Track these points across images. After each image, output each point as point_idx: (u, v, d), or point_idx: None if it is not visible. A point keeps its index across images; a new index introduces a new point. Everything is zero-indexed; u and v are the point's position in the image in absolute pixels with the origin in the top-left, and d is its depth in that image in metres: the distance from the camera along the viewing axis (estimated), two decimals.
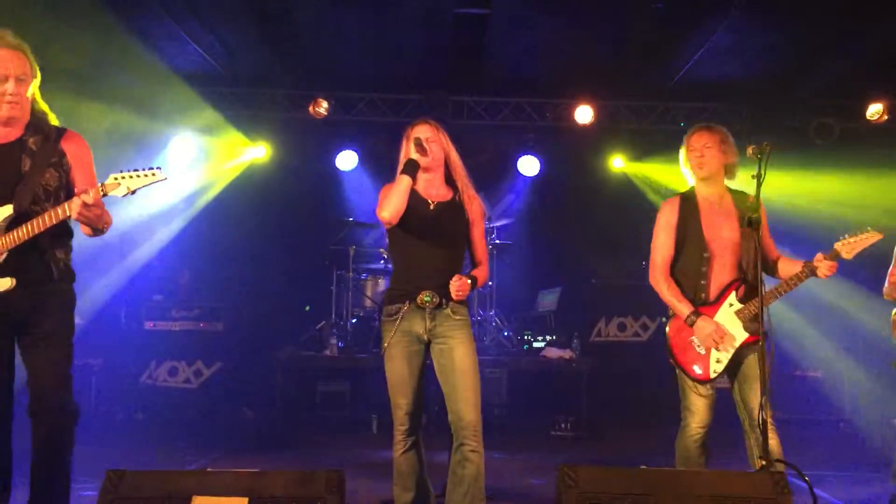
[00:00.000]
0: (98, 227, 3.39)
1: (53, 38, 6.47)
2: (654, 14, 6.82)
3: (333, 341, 7.51)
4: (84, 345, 7.47)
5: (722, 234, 3.90)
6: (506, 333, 7.96)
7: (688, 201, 4.05)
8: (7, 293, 3.23)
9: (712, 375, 3.82)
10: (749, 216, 3.66)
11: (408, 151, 3.84)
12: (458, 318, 3.79)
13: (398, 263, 3.95)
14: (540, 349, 7.89)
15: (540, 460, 6.18)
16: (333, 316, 7.89)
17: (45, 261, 3.33)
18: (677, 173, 8.71)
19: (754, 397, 3.77)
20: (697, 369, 3.85)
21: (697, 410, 3.86)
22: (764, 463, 3.35)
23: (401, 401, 3.76)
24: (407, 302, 3.77)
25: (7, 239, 3.23)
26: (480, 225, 3.99)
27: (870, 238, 3.78)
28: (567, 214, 9.15)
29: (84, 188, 3.29)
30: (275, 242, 8.83)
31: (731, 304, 3.87)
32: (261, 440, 6.98)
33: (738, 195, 4.04)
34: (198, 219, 8.70)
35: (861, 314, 7.21)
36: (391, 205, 3.70)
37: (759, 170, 3.67)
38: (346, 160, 9.02)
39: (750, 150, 3.72)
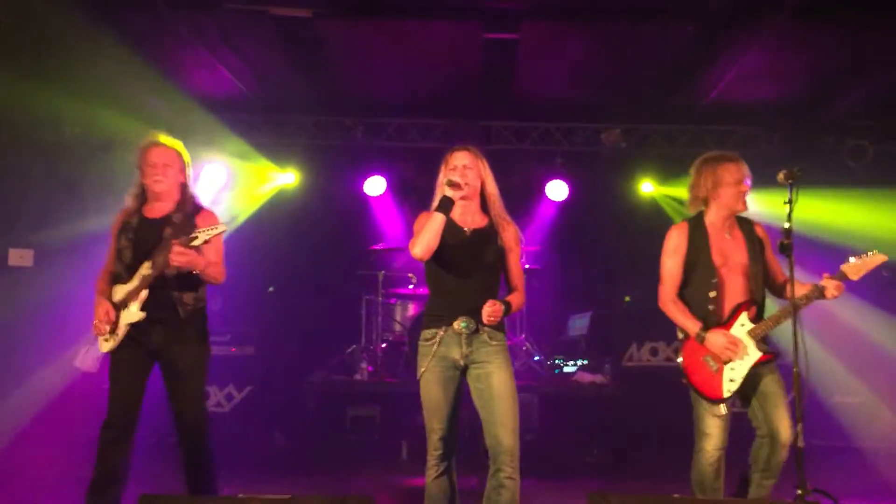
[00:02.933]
0: (203, 272, 4.19)
1: (92, 66, 6.67)
2: (684, 37, 6.83)
3: (363, 365, 7.52)
4: None
5: (734, 259, 3.97)
6: (536, 358, 7.91)
7: (697, 227, 4.10)
8: (142, 324, 4.11)
9: (726, 395, 3.84)
10: (781, 241, 3.68)
11: (445, 175, 3.87)
12: (495, 343, 3.79)
13: (434, 289, 3.96)
14: (571, 374, 7.83)
15: (572, 486, 6.10)
16: (363, 340, 7.90)
17: (172, 302, 4.16)
18: None
19: (779, 414, 3.81)
20: (711, 388, 3.88)
21: (713, 433, 3.89)
22: (800, 492, 3.29)
23: (436, 426, 3.75)
24: (444, 327, 3.78)
25: (142, 283, 4.11)
26: (516, 251, 4.00)
27: (875, 259, 3.84)
28: (596, 239, 9.11)
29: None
30: (304, 267, 8.88)
31: (742, 325, 3.91)
32: (291, 465, 6.98)
33: (743, 222, 4.12)
34: (228, 245, 8.71)
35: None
36: (424, 242, 3.73)
37: (790, 195, 3.70)
38: (375, 185, 9.07)
39: (781, 176, 3.74)
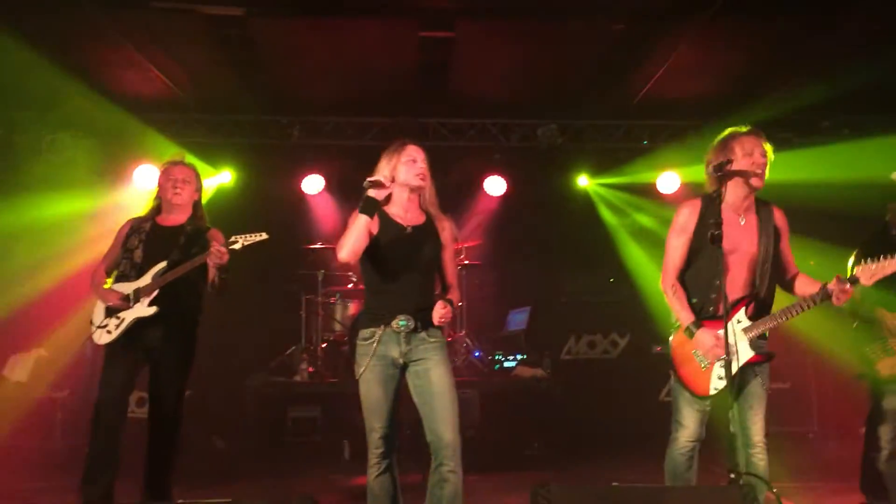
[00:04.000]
0: (224, 278, 4.60)
1: (21, 68, 6.49)
2: (615, 34, 6.94)
3: (304, 366, 7.45)
4: (49, 378, 7.41)
5: (741, 248, 3.73)
6: (476, 354, 7.96)
7: (710, 205, 3.74)
8: (145, 320, 4.47)
9: (711, 392, 3.68)
10: (711, 232, 3.53)
11: (395, 166, 3.85)
12: (433, 340, 3.80)
13: (372, 287, 3.94)
14: (511, 369, 7.90)
15: (513, 480, 6.16)
16: (303, 341, 7.83)
17: (178, 303, 4.53)
18: (641, 190, 8.87)
19: (752, 417, 3.73)
20: (697, 384, 3.74)
21: (689, 425, 3.78)
22: (733, 476, 3.35)
23: (376, 424, 3.75)
24: (382, 326, 3.77)
25: (155, 281, 4.51)
26: (452, 249, 4.02)
27: (892, 265, 3.59)
28: (534, 233, 9.21)
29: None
30: (242, 268, 8.72)
31: (738, 321, 3.73)
32: (232, 469, 6.88)
33: (761, 206, 3.85)
34: None
35: (827, 324, 7.30)
36: (349, 246, 3.71)
37: (718, 188, 3.67)
38: (312, 184, 8.99)
39: (710, 169, 3.75)
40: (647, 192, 9.01)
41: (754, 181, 3.75)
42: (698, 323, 3.72)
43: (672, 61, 7.31)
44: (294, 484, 6.29)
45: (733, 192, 3.77)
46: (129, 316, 4.52)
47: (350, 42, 7.05)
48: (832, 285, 3.62)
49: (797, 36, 6.86)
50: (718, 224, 3.56)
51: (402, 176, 3.85)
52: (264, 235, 4.63)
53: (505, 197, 9.35)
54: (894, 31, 6.55)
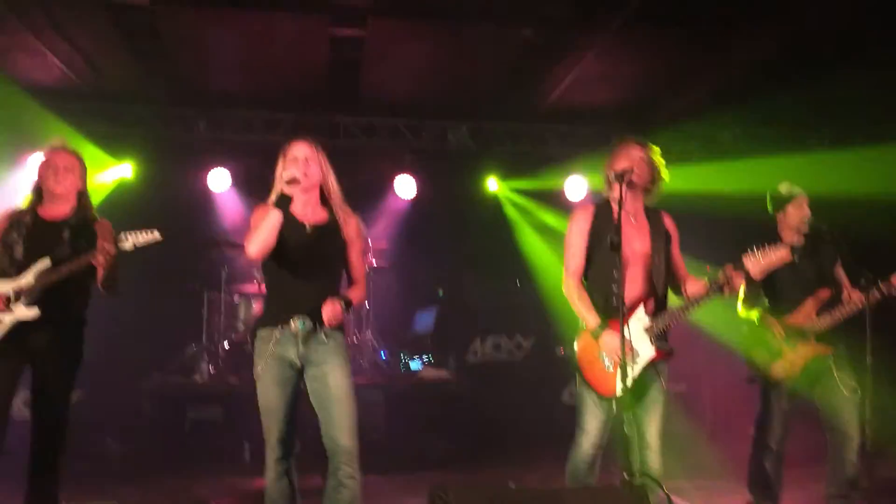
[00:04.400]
0: (113, 277, 4.26)
1: None
2: (525, 40, 7.03)
3: (204, 366, 7.27)
4: None
5: (634, 247, 3.82)
6: (382, 355, 7.93)
7: (603, 210, 3.94)
8: (28, 323, 4.12)
9: (618, 393, 3.68)
10: (610, 237, 3.61)
11: (284, 167, 3.76)
12: (331, 342, 3.73)
13: (272, 287, 3.87)
14: (417, 370, 7.91)
15: (415, 482, 6.16)
16: (205, 340, 7.63)
17: (64, 305, 4.21)
18: (548, 195, 8.99)
19: (650, 419, 3.81)
20: (604, 385, 3.77)
21: (591, 430, 3.82)
22: (626, 476, 3.43)
23: (273, 427, 3.68)
24: (280, 327, 3.70)
25: (39, 280, 4.15)
26: (358, 245, 3.94)
27: (778, 254, 3.74)
28: (443, 235, 9.24)
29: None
30: (142, 264, 8.44)
31: (639, 319, 3.81)
32: (127, 472, 6.65)
33: (651, 212, 3.99)
34: None
35: (719, 327, 7.56)
36: (259, 242, 3.63)
37: (620, 194, 3.76)
38: (219, 179, 8.79)
39: (611, 176, 3.83)
40: (555, 196, 9.15)
41: (641, 188, 3.90)
42: (604, 324, 3.77)
43: (580, 69, 7.45)
44: (191, 487, 6.14)
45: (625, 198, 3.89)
46: (7, 318, 4.14)
47: (260, 36, 6.92)
48: (722, 275, 3.75)
49: (701, 49, 7.08)
50: (618, 230, 3.64)
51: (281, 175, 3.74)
52: (157, 236, 4.35)
53: (415, 199, 9.35)
54: (791, 50, 6.85)
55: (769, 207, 4.83)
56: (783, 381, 4.60)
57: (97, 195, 8.40)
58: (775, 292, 4.71)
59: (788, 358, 4.55)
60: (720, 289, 3.77)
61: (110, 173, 8.60)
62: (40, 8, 6.27)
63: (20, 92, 7.32)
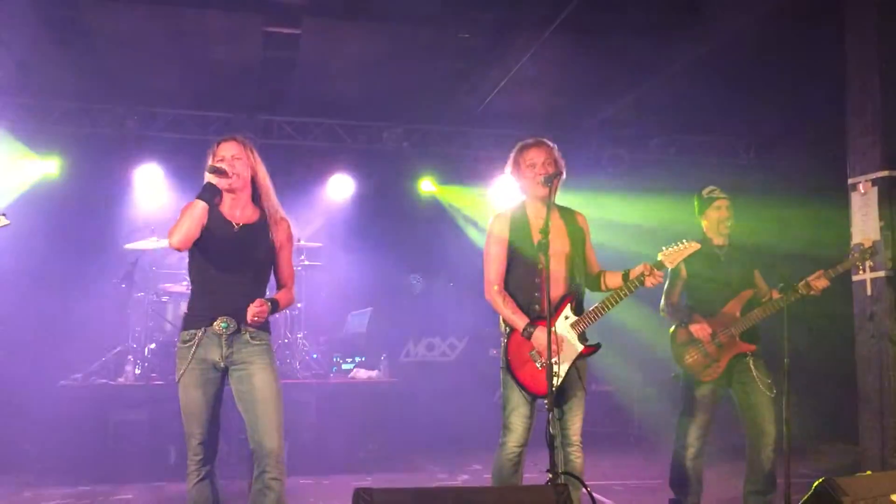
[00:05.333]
0: None
1: None
2: (460, 43, 7.07)
3: (129, 368, 7.09)
4: None
5: (555, 247, 3.82)
6: (315, 356, 7.87)
7: (518, 215, 4.02)
8: None
9: (551, 389, 3.67)
10: (540, 241, 3.70)
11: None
12: (256, 343, 3.68)
13: (197, 287, 3.79)
14: (349, 371, 7.87)
15: (345, 483, 6.13)
16: (130, 341, 7.45)
17: None
18: (483, 197, 9.03)
19: (572, 416, 3.86)
20: (535, 384, 3.81)
21: (516, 429, 3.86)
22: (550, 475, 3.47)
23: (195, 430, 3.62)
24: (203, 328, 3.64)
25: None
26: (288, 247, 3.88)
27: (688, 248, 3.94)
28: (378, 236, 9.21)
29: None
30: (66, 262, 8.23)
31: (566, 317, 3.88)
32: (45, 476, 6.45)
33: (564, 211, 4.08)
34: None
35: (643, 329, 7.71)
36: (181, 230, 3.56)
37: (550, 196, 3.84)
38: (148, 177, 8.60)
39: (541, 178, 3.90)
40: (488, 199, 9.20)
41: (536, 189, 3.95)
42: (534, 323, 3.82)
43: (514, 73, 7.53)
44: (115, 490, 6.00)
45: (530, 200, 4.04)
46: None
47: (190, 31, 6.81)
48: (640, 271, 3.86)
49: (633, 54, 7.22)
50: (546, 232, 3.69)
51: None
52: (5, 220, 3.97)
53: (351, 199, 9.31)
54: (722, 57, 7.03)
55: (695, 210, 4.98)
56: (705, 379, 4.72)
57: (18, 190, 8.18)
58: (700, 291, 4.84)
59: (712, 356, 4.67)
60: (641, 283, 3.87)
61: (33, 168, 8.33)
62: None
63: None
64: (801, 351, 4.90)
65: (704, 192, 4.95)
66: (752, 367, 4.67)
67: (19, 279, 7.81)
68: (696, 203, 4.99)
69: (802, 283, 4.53)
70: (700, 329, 4.69)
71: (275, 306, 3.73)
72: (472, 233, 9.48)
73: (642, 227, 8.21)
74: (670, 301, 4.90)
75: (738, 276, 4.82)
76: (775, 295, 4.71)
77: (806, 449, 7.31)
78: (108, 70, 7.58)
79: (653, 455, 7.36)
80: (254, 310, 3.59)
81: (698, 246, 3.99)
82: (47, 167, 8.40)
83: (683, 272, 4.84)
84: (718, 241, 4.87)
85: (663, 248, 3.96)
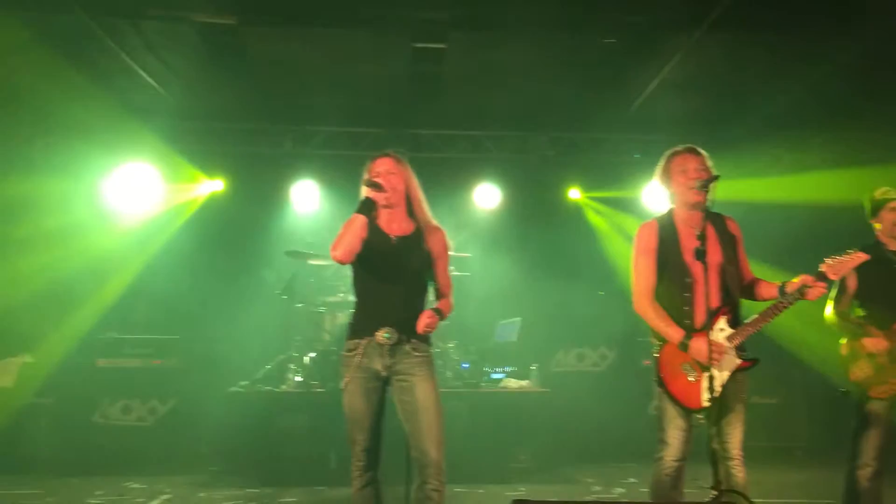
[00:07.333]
0: None
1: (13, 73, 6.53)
2: (608, 48, 6.96)
3: (291, 376, 7.41)
4: (34, 384, 7.38)
5: (707, 257, 3.70)
6: (465, 365, 7.93)
7: (666, 224, 3.93)
8: None
9: (705, 404, 3.64)
10: (696, 248, 3.61)
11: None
12: (418, 354, 3.77)
13: (359, 298, 3.92)
14: (499, 380, 7.88)
15: (500, 493, 6.15)
16: (291, 349, 7.79)
17: None
18: (632, 204, 8.85)
19: (731, 429, 3.73)
20: (689, 398, 3.71)
21: (673, 443, 3.77)
22: (715, 493, 3.35)
23: (358, 437, 3.74)
24: (366, 338, 3.75)
25: None
26: (444, 257, 3.96)
27: (855, 259, 3.75)
28: (525, 245, 9.18)
29: None
30: (232, 276, 8.73)
31: (721, 330, 3.74)
32: (217, 478, 6.85)
33: (714, 217, 3.92)
34: (156, 254, 8.59)
35: (815, 340, 7.28)
36: (343, 244, 3.68)
37: (705, 202, 3.73)
38: (305, 194, 8.98)
39: (696, 183, 3.78)
40: (636, 205, 9.00)
41: (689, 196, 3.83)
42: (689, 335, 3.71)
43: (664, 76, 7.34)
44: (280, 493, 6.27)
45: (679, 208, 3.93)
46: None
47: (341, 51, 7.06)
48: (797, 282, 3.69)
49: (791, 50, 6.88)
50: (704, 238, 3.60)
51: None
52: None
53: (497, 208, 9.34)
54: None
55: (866, 213, 4.67)
56: (878, 396, 4.41)
57: (189, 208, 8.78)
58: (873, 302, 4.53)
59: (887, 371, 4.36)
60: (803, 295, 3.69)
61: (202, 188, 8.92)
62: (134, 30, 6.58)
63: (117, 109, 7.65)
64: None
65: (877, 192, 4.63)
66: None
67: (192, 293, 8.35)
68: (866, 205, 4.68)
69: None
70: (876, 343, 4.40)
71: (440, 316, 3.80)
72: (620, 241, 9.28)
73: (801, 235, 7.77)
74: (839, 311, 4.62)
75: None
76: None
77: None
78: (266, 92, 7.96)
79: (823, 473, 6.95)
80: (425, 320, 3.69)
81: (866, 257, 3.78)
82: (214, 186, 8.97)
83: (853, 282, 4.55)
84: (894, 245, 4.55)
85: (826, 258, 3.74)
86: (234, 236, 8.84)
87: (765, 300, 3.85)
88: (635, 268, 3.94)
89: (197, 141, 8.67)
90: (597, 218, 9.58)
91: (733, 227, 3.96)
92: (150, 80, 7.43)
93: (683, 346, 3.71)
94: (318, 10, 6.36)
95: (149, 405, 7.64)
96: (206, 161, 8.83)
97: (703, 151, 3.97)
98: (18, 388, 7.31)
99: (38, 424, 7.33)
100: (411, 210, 3.95)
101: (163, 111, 8.11)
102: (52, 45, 6.44)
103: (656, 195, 8.88)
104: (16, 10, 5.92)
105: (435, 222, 3.98)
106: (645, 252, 3.90)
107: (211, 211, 8.95)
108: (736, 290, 3.83)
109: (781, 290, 3.76)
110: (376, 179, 3.78)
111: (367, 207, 3.73)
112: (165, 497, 6.13)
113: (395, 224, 3.90)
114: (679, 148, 4.01)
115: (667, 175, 3.97)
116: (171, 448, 7.48)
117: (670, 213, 3.98)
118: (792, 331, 7.31)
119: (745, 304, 3.94)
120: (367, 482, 3.76)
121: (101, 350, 7.78)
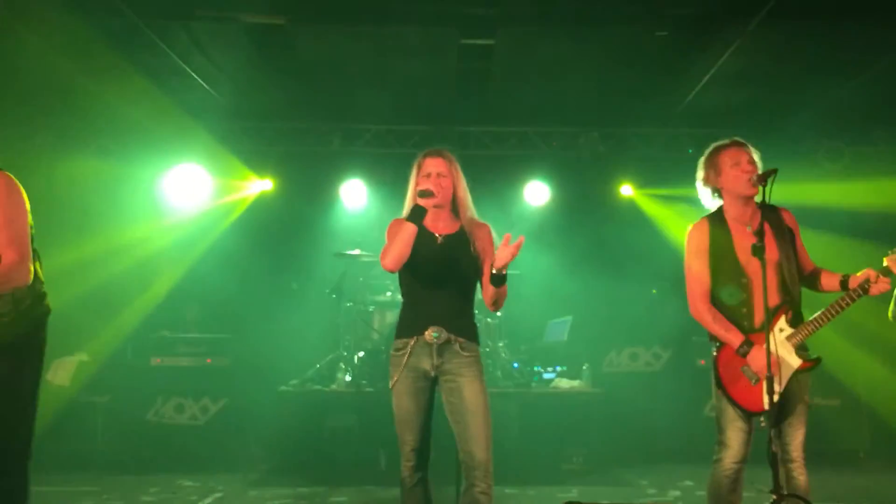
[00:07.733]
0: None
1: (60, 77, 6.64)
2: (659, 41, 6.82)
3: (341, 375, 7.42)
4: (90, 382, 7.52)
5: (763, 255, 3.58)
6: (515, 365, 7.85)
7: (717, 223, 3.82)
8: None
9: (766, 407, 3.50)
10: (753, 245, 3.48)
11: (418, 181, 3.79)
12: (466, 354, 3.71)
13: (407, 298, 3.88)
14: (550, 380, 7.78)
15: (551, 495, 6.06)
16: (341, 349, 7.80)
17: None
18: (685, 200, 8.65)
19: (793, 431, 3.62)
20: (750, 401, 3.60)
21: (732, 445, 3.65)
22: (775, 497, 3.23)
23: (407, 437, 3.70)
24: (415, 337, 3.72)
25: None
26: (491, 252, 3.86)
27: None
28: (576, 243, 9.05)
29: None
30: (282, 275, 8.80)
31: (781, 330, 3.63)
32: (268, 477, 6.89)
33: (769, 211, 3.71)
34: (204, 252, 8.69)
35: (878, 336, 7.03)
36: (394, 253, 3.64)
37: (763, 195, 3.59)
38: (354, 192, 8.99)
39: (753, 177, 3.65)
40: (692, 202, 8.80)
41: (745, 189, 3.72)
42: (750, 341, 3.61)
43: (717, 68, 7.16)
44: (330, 492, 6.27)
45: (731, 204, 3.81)
46: None
47: (389, 49, 7.03)
48: (860, 277, 3.57)
49: (851, 39, 6.65)
50: (762, 234, 3.47)
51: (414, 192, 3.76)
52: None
53: (546, 206, 9.22)
54: None
55: None
56: None
57: (240, 207, 8.87)
58: None
59: None
60: (866, 291, 3.55)
61: (252, 187, 8.99)
62: (184, 31, 6.64)
63: (170, 110, 7.75)
64: None
65: None
66: None
67: (241, 292, 8.43)
68: None
69: None
70: None
71: (504, 279, 3.70)
72: (674, 237, 9.08)
73: (863, 224, 7.50)
74: None
75: None
76: None
77: None
78: (315, 91, 7.97)
79: (887, 478, 6.71)
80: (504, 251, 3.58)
81: None
82: (264, 185, 9.03)
83: None
84: None
85: (890, 251, 3.58)
86: (283, 235, 8.90)
87: (827, 292, 3.74)
88: (688, 271, 3.83)
89: (247, 140, 8.76)
90: (649, 214, 9.39)
91: (789, 220, 3.83)
92: (200, 80, 7.49)
93: (743, 352, 3.61)
94: (366, 8, 6.35)
95: (201, 403, 7.73)
96: (256, 160, 8.91)
97: (748, 144, 3.85)
98: (74, 387, 7.46)
99: (94, 422, 7.47)
100: (455, 208, 3.90)
101: (213, 111, 8.18)
102: (106, 47, 6.53)
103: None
104: (65, 14, 6.00)
105: (477, 219, 3.93)
106: (697, 254, 3.80)
107: (260, 210, 9.03)
108: (795, 287, 3.69)
109: (843, 283, 3.65)
110: (427, 186, 3.70)
111: (419, 217, 3.67)
112: (217, 495, 6.17)
113: (440, 223, 3.86)
114: (725, 142, 3.89)
115: (715, 170, 3.84)
116: (222, 446, 7.56)
117: (720, 211, 3.86)
118: (854, 329, 7.05)
119: (805, 298, 3.80)
120: (417, 482, 3.71)
121: (154, 349, 7.90)
